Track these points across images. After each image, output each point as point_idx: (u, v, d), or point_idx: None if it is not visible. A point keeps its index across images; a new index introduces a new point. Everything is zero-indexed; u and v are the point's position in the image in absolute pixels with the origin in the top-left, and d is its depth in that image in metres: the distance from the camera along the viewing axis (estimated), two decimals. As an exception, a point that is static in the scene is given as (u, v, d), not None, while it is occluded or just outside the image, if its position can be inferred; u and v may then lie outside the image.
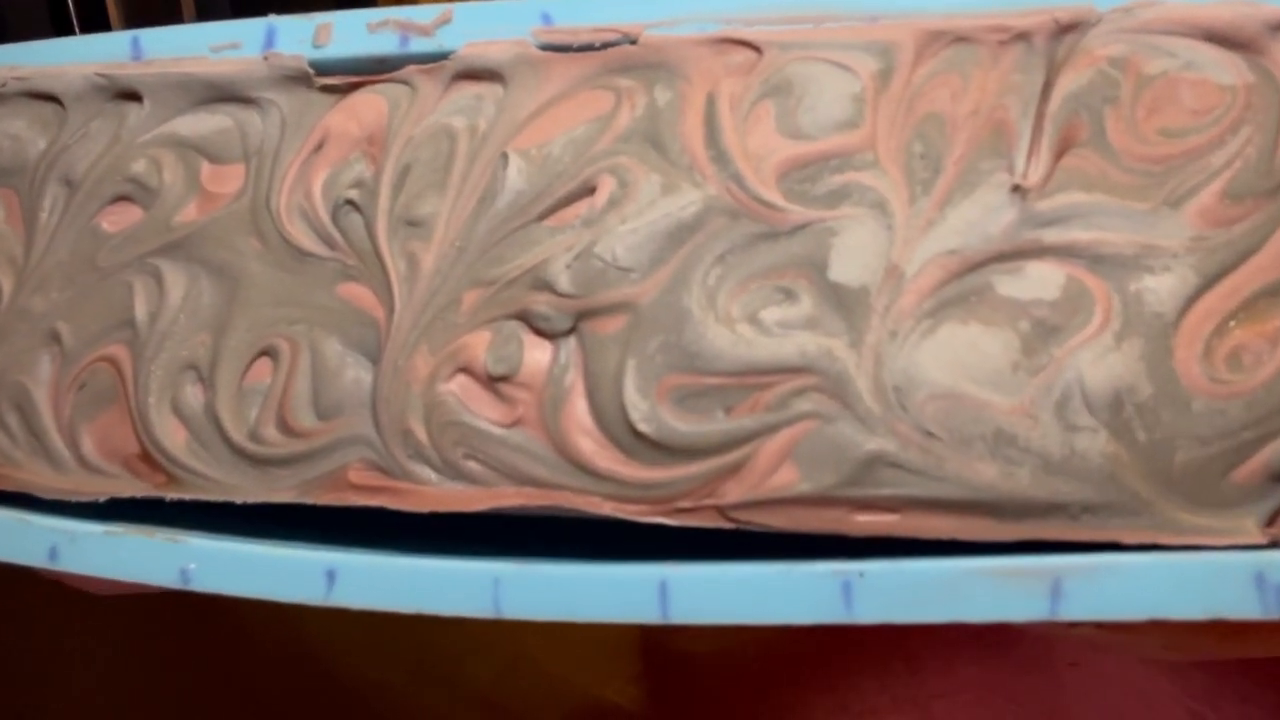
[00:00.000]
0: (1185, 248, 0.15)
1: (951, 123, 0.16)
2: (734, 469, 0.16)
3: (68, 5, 0.39)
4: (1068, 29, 0.16)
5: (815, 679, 0.29)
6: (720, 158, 0.17)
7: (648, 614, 0.17)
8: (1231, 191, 0.15)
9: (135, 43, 0.21)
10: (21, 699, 0.30)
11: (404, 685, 0.30)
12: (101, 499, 0.20)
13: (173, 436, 0.19)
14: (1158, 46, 0.16)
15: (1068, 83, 0.16)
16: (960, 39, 0.17)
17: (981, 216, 0.16)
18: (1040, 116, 0.16)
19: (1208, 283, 0.15)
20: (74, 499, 0.20)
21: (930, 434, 0.16)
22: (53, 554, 0.20)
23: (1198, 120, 0.16)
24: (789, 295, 0.17)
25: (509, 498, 0.18)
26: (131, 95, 0.21)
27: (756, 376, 0.16)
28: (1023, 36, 0.17)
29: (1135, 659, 0.28)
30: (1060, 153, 0.16)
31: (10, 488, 0.20)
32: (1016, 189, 0.16)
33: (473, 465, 0.18)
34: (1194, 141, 0.16)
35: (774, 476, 0.16)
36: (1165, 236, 0.15)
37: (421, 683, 0.30)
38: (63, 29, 0.39)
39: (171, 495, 0.19)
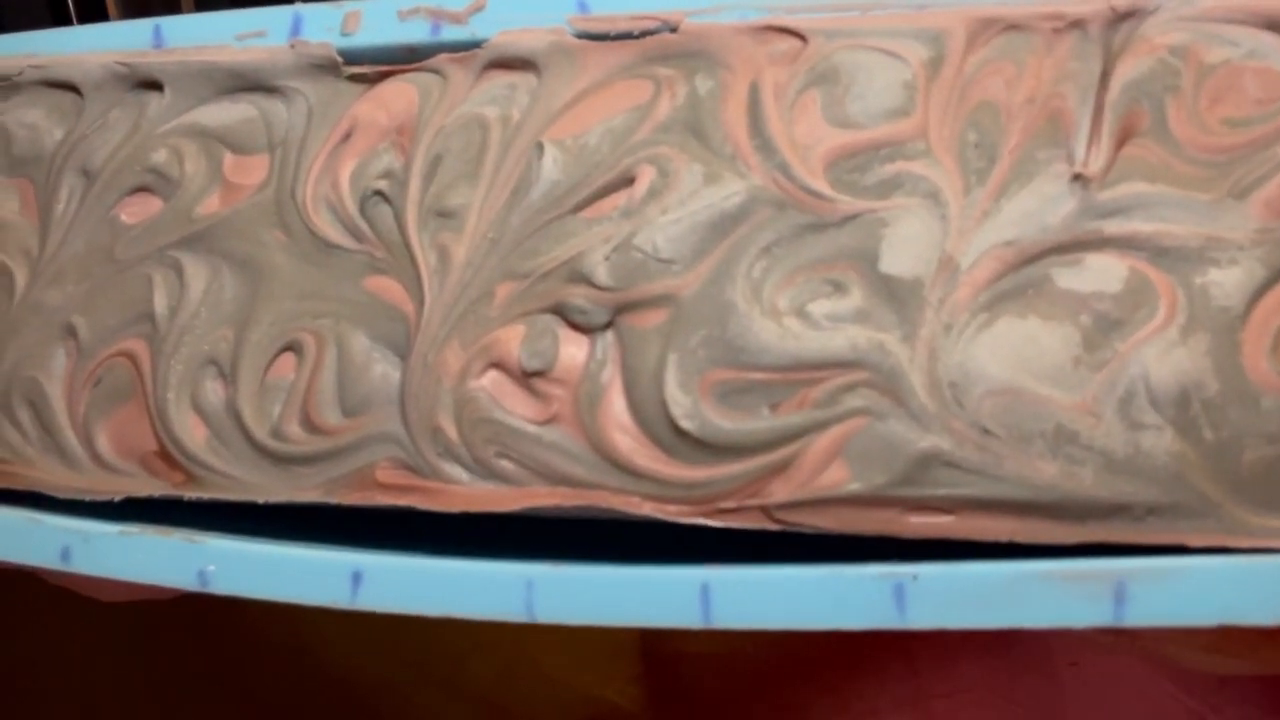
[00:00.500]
0: (1251, 240, 0.15)
1: (1006, 111, 0.16)
2: (781, 467, 0.16)
3: (67, 3, 0.39)
4: (1125, 16, 0.16)
5: (815, 679, 0.28)
6: (765, 147, 0.17)
7: (689, 618, 0.16)
8: (1299, 182, 0.15)
9: (157, 31, 0.20)
10: (21, 699, 0.29)
11: (404, 685, 0.29)
12: (117, 498, 0.19)
13: (192, 433, 0.19)
14: (1219, 35, 0.15)
15: (1127, 71, 0.16)
16: (1013, 26, 0.16)
17: (1039, 207, 0.15)
18: (1099, 105, 0.15)
19: (1275, 275, 0.15)
20: (88, 498, 0.19)
21: (988, 431, 0.15)
22: (65, 555, 0.19)
23: (1262, 109, 0.15)
24: (838, 288, 0.16)
25: (543, 497, 0.17)
26: (152, 84, 0.20)
27: (805, 371, 0.16)
28: (1078, 24, 0.16)
29: (1137, 659, 0.27)
30: (1121, 142, 0.15)
31: (21, 486, 0.19)
32: (1077, 178, 0.15)
33: (505, 464, 0.17)
34: (1259, 131, 0.15)
35: (823, 475, 0.15)
36: (1230, 228, 0.15)
37: (421, 683, 0.29)
38: (61, 21, 0.39)
39: (190, 494, 0.18)
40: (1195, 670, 0.20)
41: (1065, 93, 0.16)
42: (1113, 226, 0.15)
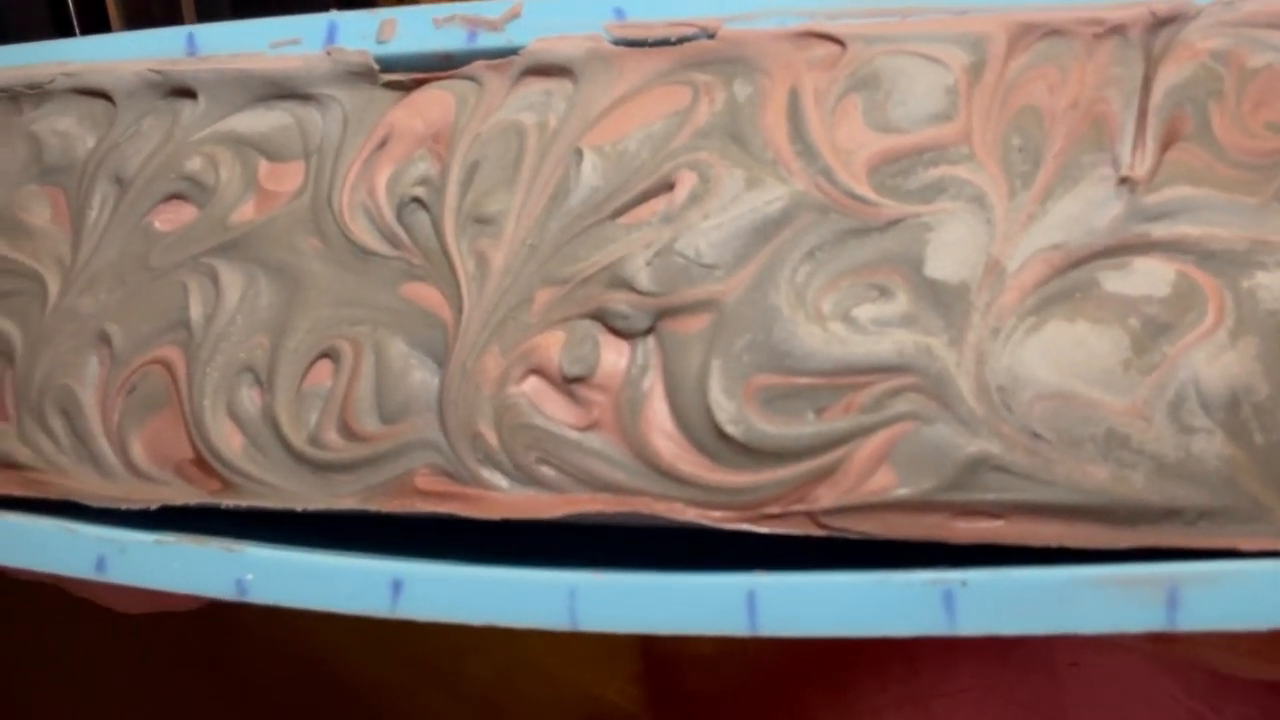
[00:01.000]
0: (1299, 243, 0.15)
1: (1050, 116, 0.16)
2: (827, 473, 0.15)
3: (68, 6, 0.38)
4: (1165, 22, 0.16)
5: (815, 679, 0.28)
6: (807, 152, 0.16)
7: (735, 625, 0.16)
8: (1345, 185, 0.15)
9: (191, 39, 0.20)
10: (20, 699, 0.29)
11: (404, 685, 0.29)
12: (153, 506, 0.18)
13: (228, 441, 0.18)
14: (1260, 40, 0.15)
15: (1169, 76, 0.15)
16: (1053, 31, 0.16)
17: (1085, 211, 0.15)
18: (1143, 110, 0.15)
19: (1323, 279, 0.14)
20: (123, 506, 0.19)
21: (1037, 435, 0.15)
22: (100, 565, 0.18)
23: (1307, 113, 0.15)
24: (883, 292, 0.16)
25: (585, 504, 0.16)
26: (186, 92, 0.20)
27: (851, 376, 0.15)
28: (1118, 30, 0.16)
29: (1138, 659, 0.27)
30: (1165, 146, 0.15)
31: (55, 495, 0.19)
32: (1124, 181, 0.15)
33: (546, 470, 0.17)
34: (1304, 134, 0.15)
35: (870, 480, 0.15)
36: (1276, 231, 0.15)
37: (421, 683, 0.29)
38: (63, 29, 0.38)
39: (227, 503, 0.18)
40: (1235, 675, 0.20)
41: (1108, 97, 0.16)
42: (1160, 230, 0.15)
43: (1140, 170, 0.15)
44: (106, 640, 0.31)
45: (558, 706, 0.27)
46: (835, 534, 0.15)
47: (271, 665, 0.30)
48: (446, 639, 0.30)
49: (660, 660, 0.29)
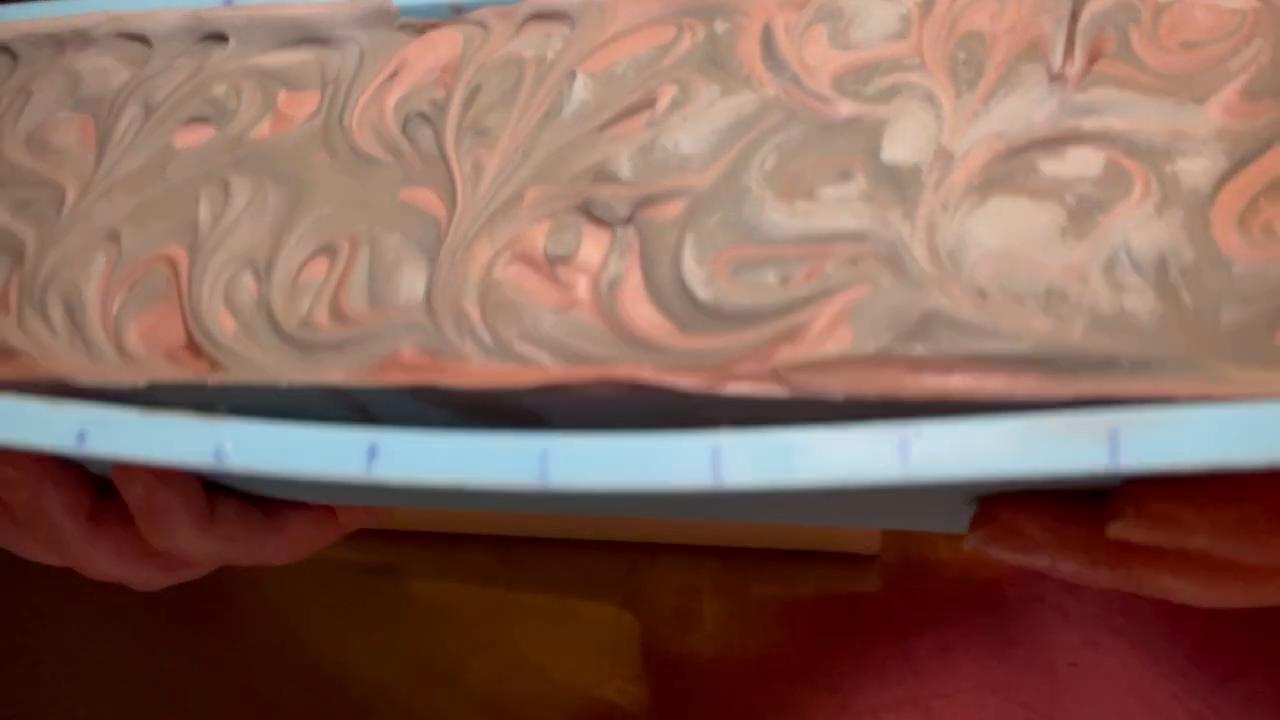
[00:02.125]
0: (1213, 136, 0.16)
1: (991, 37, 0.17)
2: (791, 333, 0.16)
3: None
4: (1090, -32, 0.18)
5: (815, 679, 0.27)
6: (777, 66, 0.18)
7: (700, 479, 0.16)
8: (1251, 90, 0.16)
9: (228, -8, 0.22)
10: (20, 699, 0.28)
11: (404, 685, 0.28)
12: (140, 383, 0.19)
13: (221, 325, 0.19)
14: (1170, -16, 0.17)
15: (1094, 7, 0.17)
16: (993, -24, 0.18)
17: (1024, 108, 0.17)
18: (1071, 32, 0.17)
19: (1236, 166, 0.16)
20: (110, 384, 0.19)
21: (984, 292, 0.15)
22: (81, 437, 0.18)
23: (1214, 35, 0.17)
24: (844, 175, 0.17)
25: (559, 374, 0.17)
26: (218, 36, 0.22)
27: (813, 245, 0.16)
28: (1050, -25, 0.18)
29: (1138, 659, 0.26)
30: (1092, 59, 0.17)
31: (43, 376, 0.19)
32: (1056, 79, 0.17)
33: (526, 347, 0.17)
34: (1213, 51, 0.17)
35: (831, 338, 0.16)
36: (1194, 126, 0.16)
37: (421, 683, 0.28)
38: None
39: (214, 380, 0.18)
40: (1191, 605, 0.20)
41: (1042, 22, 0.17)
42: (1090, 123, 0.16)
43: (1071, 73, 0.17)
44: (106, 640, 0.30)
45: (558, 706, 0.26)
46: (798, 394, 0.16)
47: (271, 665, 0.29)
48: (446, 639, 0.30)
49: (660, 660, 0.28)
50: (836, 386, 0.16)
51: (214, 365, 0.19)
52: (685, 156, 0.17)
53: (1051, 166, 0.16)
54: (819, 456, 0.15)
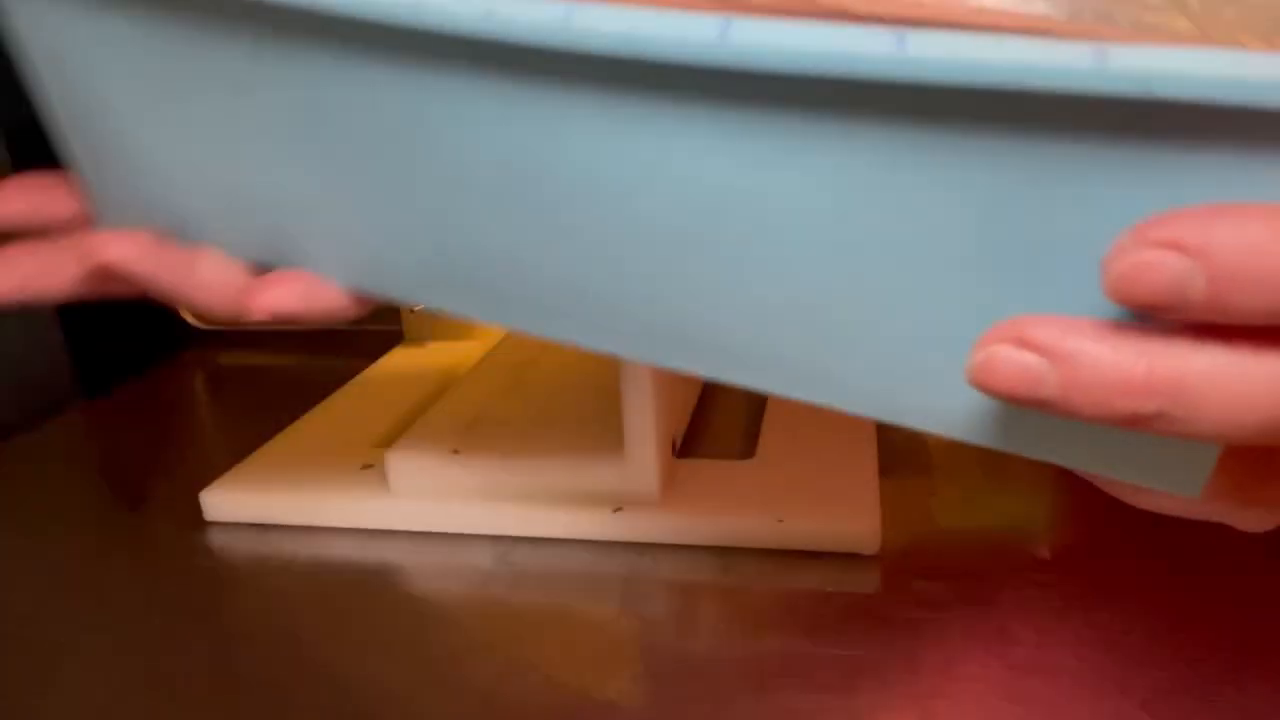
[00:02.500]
0: None
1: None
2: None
3: None
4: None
5: (815, 679, 0.27)
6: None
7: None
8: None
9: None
10: (19, 699, 0.28)
11: (404, 685, 0.28)
12: None
13: None
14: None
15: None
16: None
17: None
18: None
19: None
20: None
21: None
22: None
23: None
24: None
25: None
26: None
27: None
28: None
29: (1138, 659, 0.26)
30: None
31: None
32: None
33: None
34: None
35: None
36: None
37: (421, 683, 0.28)
38: None
39: None
40: (1124, 499, 0.19)
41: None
42: None
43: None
44: (104, 640, 0.30)
45: (557, 707, 0.26)
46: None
47: (271, 665, 0.29)
48: (447, 639, 0.30)
49: (660, 660, 0.28)
50: None
51: None
52: None
53: None
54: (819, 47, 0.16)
